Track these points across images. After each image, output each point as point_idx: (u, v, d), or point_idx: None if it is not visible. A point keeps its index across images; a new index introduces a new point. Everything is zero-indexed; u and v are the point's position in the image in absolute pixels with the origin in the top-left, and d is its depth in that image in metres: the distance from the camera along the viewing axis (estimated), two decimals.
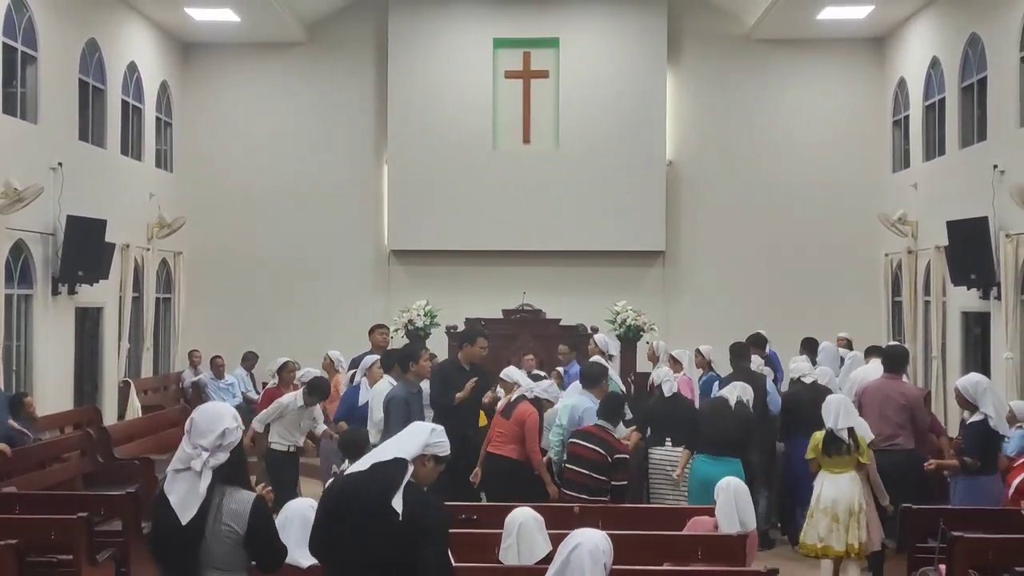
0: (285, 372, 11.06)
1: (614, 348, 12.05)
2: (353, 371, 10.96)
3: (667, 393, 9.60)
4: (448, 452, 4.44)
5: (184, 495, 4.26)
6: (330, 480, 4.61)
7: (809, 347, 13.34)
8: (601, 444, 8.21)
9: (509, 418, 8.98)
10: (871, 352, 11.98)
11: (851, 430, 8.36)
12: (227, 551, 4.28)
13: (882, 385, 9.61)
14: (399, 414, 8.80)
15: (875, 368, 11.10)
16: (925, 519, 7.76)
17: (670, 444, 9.36)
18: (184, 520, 4.22)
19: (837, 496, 8.23)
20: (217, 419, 4.36)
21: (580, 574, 4.42)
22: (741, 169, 18.26)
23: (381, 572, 4.24)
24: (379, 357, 10.83)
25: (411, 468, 4.26)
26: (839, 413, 8.35)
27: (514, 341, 13.96)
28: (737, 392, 9.10)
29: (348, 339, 14.22)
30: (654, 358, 12.50)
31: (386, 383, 9.83)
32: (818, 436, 8.44)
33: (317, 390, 9.97)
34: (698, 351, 11.95)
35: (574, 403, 9.27)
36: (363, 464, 4.34)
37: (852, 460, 8.33)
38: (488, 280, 17.77)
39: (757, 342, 11.87)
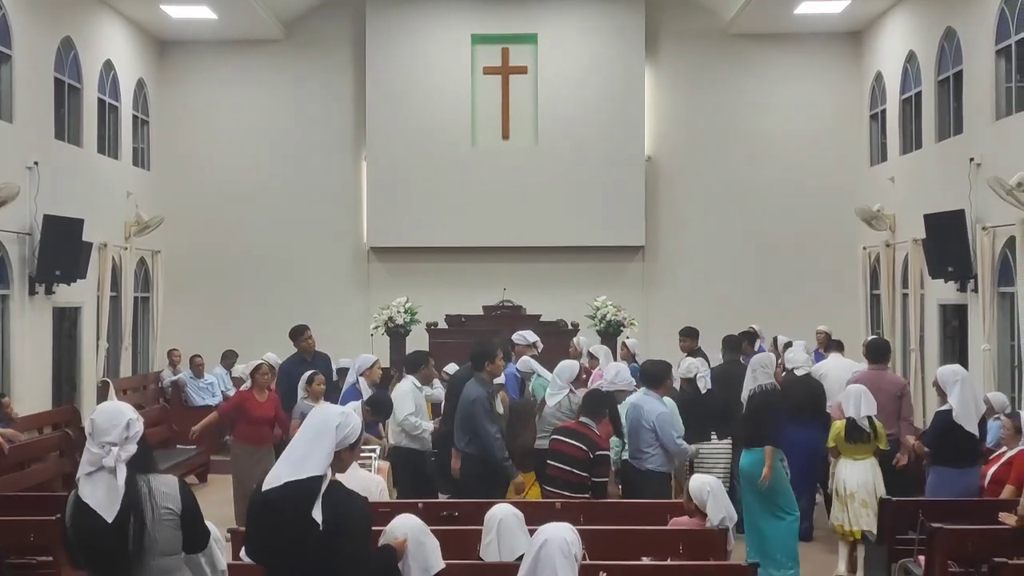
0: (259, 374, 10.63)
1: (601, 354, 11.97)
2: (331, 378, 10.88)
3: (703, 388, 9.66)
4: (358, 434, 4.44)
5: (104, 494, 4.24)
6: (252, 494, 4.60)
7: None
8: (583, 440, 8.19)
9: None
10: (832, 347, 12.12)
11: (870, 418, 8.85)
12: (169, 534, 4.30)
13: (873, 376, 9.88)
14: (486, 412, 8.87)
15: (835, 363, 11.30)
16: (905, 511, 7.83)
17: (715, 439, 9.45)
18: (109, 518, 4.19)
19: (862, 481, 8.76)
20: (117, 414, 4.39)
21: (552, 570, 4.43)
22: (719, 164, 18.30)
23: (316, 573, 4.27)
24: (377, 358, 10.82)
25: (326, 479, 4.27)
26: (860, 403, 8.82)
27: (495, 338, 13.92)
28: (759, 381, 8.98)
29: (328, 336, 14.18)
30: (576, 354, 12.51)
31: (409, 383, 9.78)
32: (839, 425, 8.93)
33: (381, 408, 9.73)
34: (623, 344, 12.19)
35: (638, 403, 8.93)
36: (279, 478, 4.27)
37: (872, 447, 8.90)
38: (468, 277, 17.76)
39: (749, 338, 12.16)
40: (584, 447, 8.16)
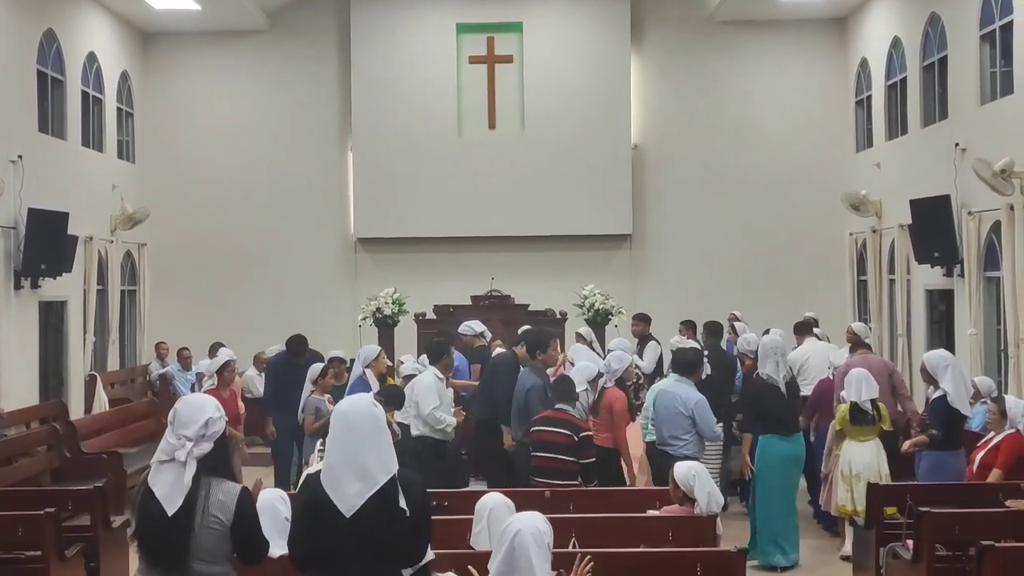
0: (227, 371, 10.29)
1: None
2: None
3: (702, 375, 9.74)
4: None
5: (170, 486, 4.27)
6: (302, 484, 4.54)
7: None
8: (565, 426, 8.22)
9: (597, 411, 8.94)
10: (801, 330, 12.21)
11: (873, 401, 9.09)
12: (214, 543, 4.30)
13: (863, 360, 10.07)
14: (540, 402, 8.87)
15: (812, 347, 11.39)
16: (892, 495, 7.87)
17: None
18: (170, 511, 4.23)
19: (867, 461, 8.98)
20: (200, 409, 4.38)
21: (527, 559, 4.43)
22: (706, 151, 18.31)
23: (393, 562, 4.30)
24: (381, 349, 10.71)
25: (396, 473, 4.26)
26: (861, 387, 9.06)
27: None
28: (782, 371, 9.22)
29: (316, 327, 14.16)
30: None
31: (431, 375, 9.68)
32: (843, 408, 9.18)
33: (394, 399, 9.46)
34: (578, 333, 12.35)
35: (670, 390, 8.86)
36: (359, 495, 4.19)
37: (876, 429, 9.14)
38: (456, 266, 17.75)
39: (694, 328, 12.60)
40: (567, 432, 8.19)
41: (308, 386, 10.31)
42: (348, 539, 4.20)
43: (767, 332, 11.80)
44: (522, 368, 9.70)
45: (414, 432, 9.73)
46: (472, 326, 12.15)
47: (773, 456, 9.02)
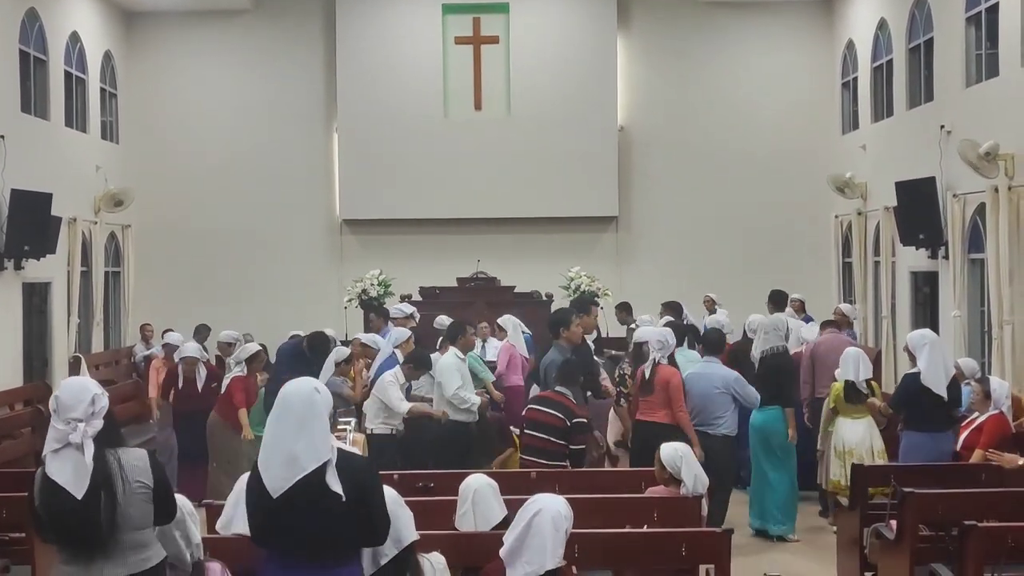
0: (255, 361, 10.56)
1: (510, 326, 12.46)
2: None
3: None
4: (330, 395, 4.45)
5: (72, 471, 4.21)
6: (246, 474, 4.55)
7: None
8: (560, 409, 8.29)
9: (652, 388, 8.91)
10: (777, 300, 12.92)
11: (869, 380, 9.45)
12: (142, 509, 4.27)
13: (834, 338, 10.51)
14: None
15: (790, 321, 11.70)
16: (876, 475, 7.91)
17: None
18: (79, 495, 4.17)
19: (861, 438, 9.29)
20: (82, 389, 4.34)
21: (542, 540, 4.45)
22: (692, 133, 18.30)
23: (333, 544, 4.28)
24: (411, 332, 10.79)
25: (333, 456, 4.25)
26: (858, 366, 9.39)
27: (469, 309, 13.93)
28: (770, 343, 9.61)
29: (301, 309, 14.15)
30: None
31: (452, 356, 9.68)
32: (837, 387, 9.44)
33: (422, 363, 9.66)
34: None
35: (705, 372, 9.15)
36: (287, 479, 4.18)
37: (868, 407, 9.44)
38: (442, 248, 17.72)
39: (674, 309, 12.74)
40: (561, 415, 8.23)
41: (330, 368, 10.23)
42: (280, 518, 4.22)
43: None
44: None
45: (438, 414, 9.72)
46: (402, 308, 12.58)
47: (758, 425, 9.51)
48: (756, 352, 9.70)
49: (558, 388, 8.54)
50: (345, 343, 12.18)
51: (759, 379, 9.41)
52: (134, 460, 4.33)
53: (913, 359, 8.50)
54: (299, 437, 4.22)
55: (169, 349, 12.20)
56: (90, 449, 4.23)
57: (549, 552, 4.48)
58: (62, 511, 4.20)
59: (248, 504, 4.38)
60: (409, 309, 12.62)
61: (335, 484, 4.20)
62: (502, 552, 4.61)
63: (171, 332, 13.25)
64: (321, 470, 4.19)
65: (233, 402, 10.34)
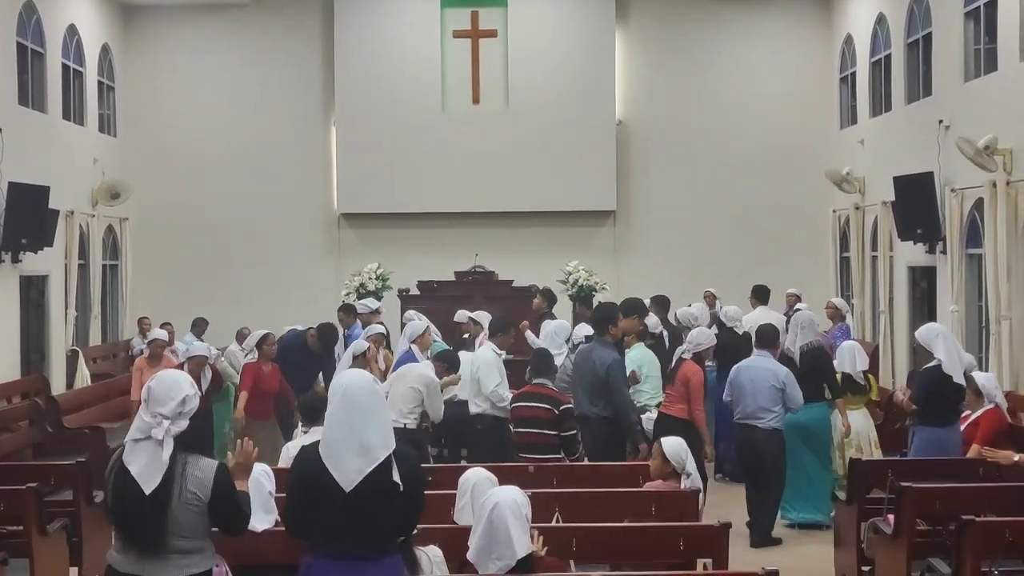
0: (266, 345, 10.35)
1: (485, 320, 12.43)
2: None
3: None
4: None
5: (146, 465, 4.23)
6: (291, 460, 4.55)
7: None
8: (545, 400, 8.31)
9: (674, 380, 8.98)
10: (760, 295, 13.15)
11: (865, 372, 9.84)
12: (192, 519, 4.29)
13: None
14: (623, 376, 8.82)
15: (763, 315, 12.21)
16: (874, 470, 7.91)
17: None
18: (148, 490, 4.20)
19: (859, 428, 9.63)
20: (176, 386, 4.34)
21: (506, 532, 4.47)
22: (690, 127, 18.28)
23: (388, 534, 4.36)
24: (429, 324, 10.70)
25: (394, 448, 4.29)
26: (855, 358, 9.75)
27: (467, 303, 13.91)
28: (807, 339, 9.68)
29: (298, 303, 14.15)
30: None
31: (491, 351, 9.69)
32: (836, 378, 9.64)
33: (454, 362, 9.54)
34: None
35: (755, 365, 9.19)
36: (359, 471, 4.21)
37: (865, 398, 9.90)
38: (439, 242, 17.70)
39: (662, 304, 12.50)
40: (547, 406, 8.26)
41: (348, 361, 10.05)
42: (343, 512, 4.22)
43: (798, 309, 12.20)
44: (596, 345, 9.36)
45: (473, 410, 9.68)
46: (367, 304, 12.73)
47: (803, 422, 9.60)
48: (795, 348, 9.68)
49: (536, 380, 8.55)
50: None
51: (800, 377, 9.28)
52: (198, 471, 4.32)
53: (920, 355, 8.52)
54: (369, 427, 4.24)
55: (154, 347, 11.54)
56: (169, 448, 4.25)
57: (516, 541, 4.49)
58: (127, 500, 4.24)
59: (296, 501, 4.34)
60: (375, 304, 12.70)
61: (396, 475, 4.24)
62: (470, 555, 4.62)
63: (156, 329, 12.85)
64: (388, 460, 4.23)
65: (242, 389, 10.21)
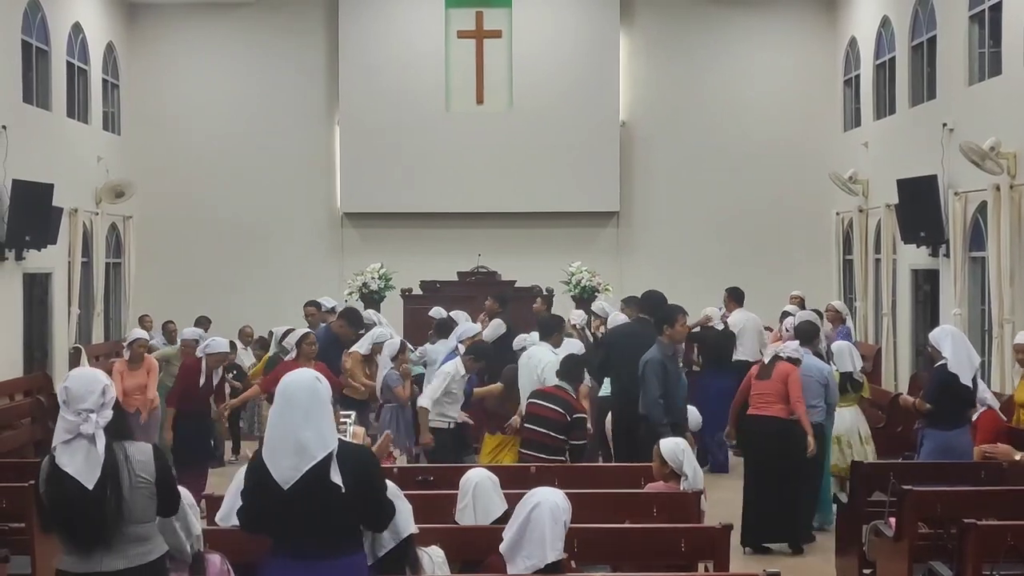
0: (306, 344, 9.68)
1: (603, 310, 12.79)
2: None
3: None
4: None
5: (83, 461, 4.23)
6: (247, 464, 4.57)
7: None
8: (561, 404, 8.28)
9: (770, 378, 8.90)
10: (736, 298, 13.09)
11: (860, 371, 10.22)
12: (144, 504, 4.31)
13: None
14: (656, 376, 8.66)
15: (743, 316, 12.78)
16: (876, 473, 7.91)
17: None
18: (90, 485, 4.19)
19: (850, 425, 9.87)
20: (92, 380, 4.37)
21: (541, 533, 4.47)
22: (694, 129, 18.28)
23: (337, 534, 4.32)
24: (480, 328, 10.55)
25: (335, 448, 4.28)
26: (853, 358, 10.06)
27: (470, 303, 13.92)
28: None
29: (301, 302, 14.09)
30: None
31: (546, 350, 9.54)
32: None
33: (483, 354, 9.40)
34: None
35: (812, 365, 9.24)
36: (296, 468, 4.23)
37: (856, 396, 10.12)
38: (443, 242, 17.71)
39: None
40: (561, 410, 8.22)
41: (387, 363, 10.06)
42: (286, 509, 4.26)
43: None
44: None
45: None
46: (324, 302, 12.69)
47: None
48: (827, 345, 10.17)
49: (558, 383, 8.52)
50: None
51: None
52: (139, 454, 4.36)
53: (924, 358, 8.54)
54: (307, 426, 4.25)
55: (134, 348, 10.87)
56: (102, 440, 4.26)
57: (549, 544, 4.49)
58: (70, 501, 4.22)
59: (247, 496, 4.40)
60: (331, 303, 12.83)
61: (336, 475, 4.24)
62: (502, 547, 4.63)
63: (137, 329, 12.62)
64: (327, 460, 4.23)
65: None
